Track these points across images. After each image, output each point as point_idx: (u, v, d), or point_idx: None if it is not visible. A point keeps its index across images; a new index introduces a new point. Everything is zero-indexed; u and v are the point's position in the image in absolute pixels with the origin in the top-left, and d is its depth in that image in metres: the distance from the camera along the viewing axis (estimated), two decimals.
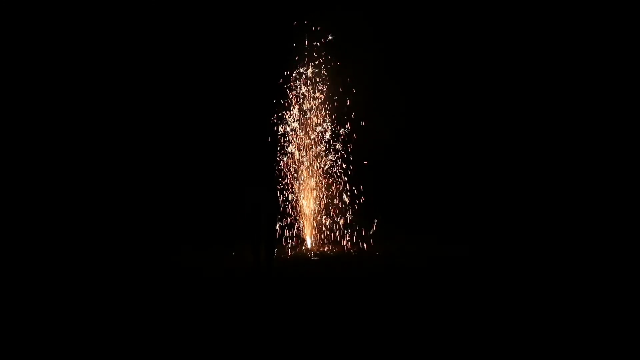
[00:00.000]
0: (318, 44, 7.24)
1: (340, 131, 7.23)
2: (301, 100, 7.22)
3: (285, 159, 7.10)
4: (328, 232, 7.11)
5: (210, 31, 8.88)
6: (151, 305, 4.17)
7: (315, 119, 7.23)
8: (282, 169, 7.08)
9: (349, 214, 7.10)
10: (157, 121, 9.07)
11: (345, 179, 7.16)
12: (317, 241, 7.11)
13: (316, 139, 7.20)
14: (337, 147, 7.21)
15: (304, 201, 7.12)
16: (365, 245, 6.90)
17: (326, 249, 6.84)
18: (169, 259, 6.33)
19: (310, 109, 7.22)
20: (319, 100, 7.24)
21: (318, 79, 7.23)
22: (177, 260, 6.31)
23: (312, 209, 7.11)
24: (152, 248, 7.13)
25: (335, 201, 7.11)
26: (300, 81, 7.24)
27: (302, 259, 6.35)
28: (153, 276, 5.39)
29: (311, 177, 7.15)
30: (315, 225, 7.12)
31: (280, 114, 7.11)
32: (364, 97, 7.39)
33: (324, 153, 7.21)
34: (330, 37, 7.16)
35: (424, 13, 9.20)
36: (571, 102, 9.35)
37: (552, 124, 9.40)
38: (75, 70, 9.04)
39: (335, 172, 7.18)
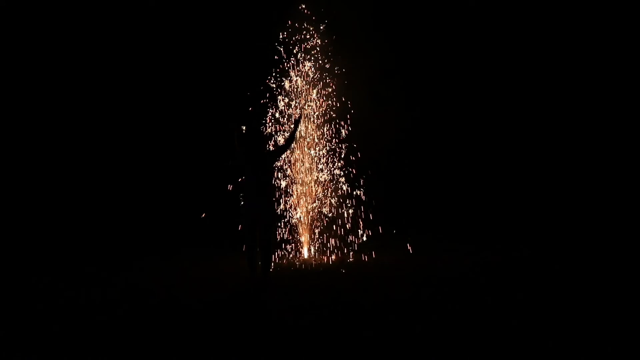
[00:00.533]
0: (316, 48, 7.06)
1: (341, 132, 7.03)
2: (300, 102, 7.03)
3: (283, 165, 6.91)
4: (325, 242, 6.89)
5: (206, 32, 8.77)
6: (144, 311, 3.97)
7: (314, 121, 7.04)
8: (281, 178, 6.88)
9: (347, 223, 6.90)
10: (143, 126, 8.99)
11: (346, 185, 6.95)
12: (315, 251, 6.91)
13: (315, 143, 7.01)
14: (337, 151, 7.01)
15: (301, 209, 6.89)
16: (365, 254, 6.72)
17: (323, 258, 6.64)
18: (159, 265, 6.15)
19: (308, 110, 7.03)
20: (318, 103, 7.05)
21: (318, 81, 7.05)
22: (172, 266, 6.13)
23: (310, 218, 6.89)
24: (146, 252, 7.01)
25: (333, 207, 6.91)
26: (298, 82, 7.04)
27: (298, 269, 6.14)
28: (149, 281, 5.20)
29: (309, 185, 6.93)
30: (312, 234, 6.91)
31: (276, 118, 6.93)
32: (365, 98, 7.23)
33: (323, 159, 7.00)
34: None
35: (423, 13, 9.10)
36: (569, 104, 9.28)
37: (553, 126, 9.35)
38: (68, 72, 8.94)
39: (335, 180, 6.97)
